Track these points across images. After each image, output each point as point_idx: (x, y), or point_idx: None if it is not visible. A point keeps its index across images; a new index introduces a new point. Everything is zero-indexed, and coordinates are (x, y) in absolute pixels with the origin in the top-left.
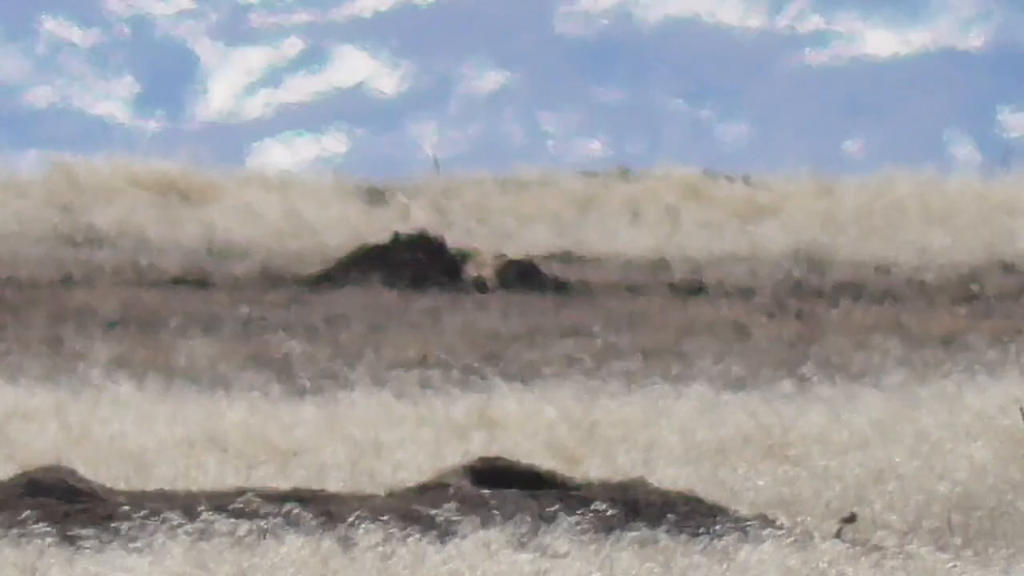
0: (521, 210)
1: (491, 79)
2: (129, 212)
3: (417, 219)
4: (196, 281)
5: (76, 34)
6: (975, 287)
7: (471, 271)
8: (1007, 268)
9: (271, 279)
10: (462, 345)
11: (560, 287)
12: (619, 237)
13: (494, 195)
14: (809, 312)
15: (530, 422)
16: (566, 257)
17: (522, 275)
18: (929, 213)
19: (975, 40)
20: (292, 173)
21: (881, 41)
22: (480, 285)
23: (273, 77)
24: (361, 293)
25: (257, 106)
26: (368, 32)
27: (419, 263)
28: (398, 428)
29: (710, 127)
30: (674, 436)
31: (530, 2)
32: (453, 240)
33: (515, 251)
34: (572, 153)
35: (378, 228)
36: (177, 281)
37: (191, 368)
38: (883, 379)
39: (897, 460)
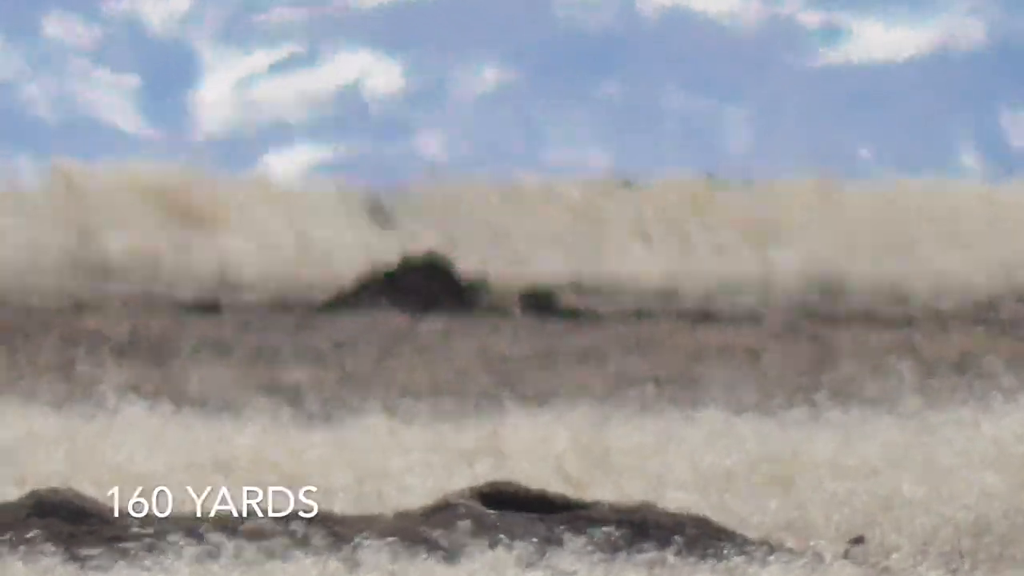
0: (529, 229)
1: (491, 78)
2: (140, 238)
3: (425, 241)
4: (205, 307)
5: (75, 35)
6: (992, 311)
7: (485, 297)
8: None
9: (280, 305)
10: (472, 370)
11: (571, 312)
12: (628, 260)
13: (499, 211)
14: (821, 336)
15: (540, 448)
16: (576, 282)
17: (533, 300)
18: (943, 234)
19: (980, 41)
20: (294, 182)
21: (887, 42)
22: (500, 311)
23: (274, 80)
24: (370, 318)
25: (258, 110)
26: (367, 33)
27: (428, 287)
28: (407, 455)
29: (713, 126)
30: (684, 463)
31: None
32: (463, 262)
33: (525, 275)
34: (574, 153)
35: (386, 250)
36: (187, 307)
37: (201, 393)
38: (897, 405)
39: (907, 487)
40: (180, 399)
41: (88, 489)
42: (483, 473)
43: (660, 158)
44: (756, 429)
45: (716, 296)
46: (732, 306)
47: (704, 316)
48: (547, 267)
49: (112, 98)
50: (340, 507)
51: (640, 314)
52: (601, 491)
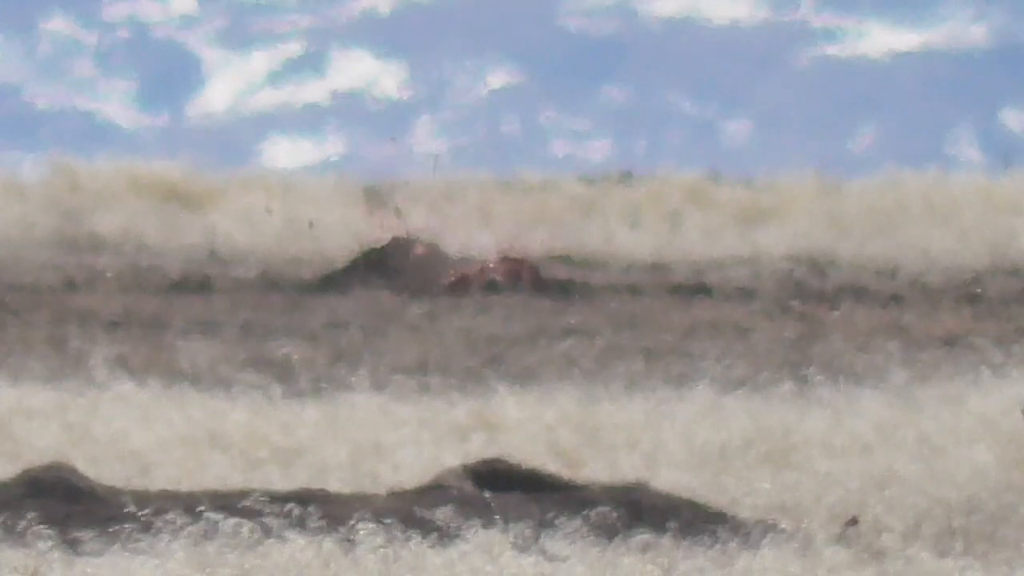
0: (522, 213)
1: (493, 78)
2: (131, 217)
3: (417, 222)
4: (197, 285)
5: (78, 36)
6: (978, 289)
7: (473, 273)
8: (1011, 270)
9: (271, 283)
10: (462, 348)
11: (561, 289)
12: (620, 239)
13: (495, 197)
14: (811, 314)
15: (530, 425)
16: (567, 259)
17: (523, 277)
18: (933, 214)
19: (980, 38)
20: (293, 176)
21: (886, 39)
22: (488, 285)
23: (274, 80)
24: (361, 297)
25: (258, 109)
26: (368, 34)
27: (419, 266)
28: (398, 430)
29: (715, 125)
30: (675, 440)
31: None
32: (454, 243)
33: (516, 253)
34: (575, 153)
35: (378, 231)
36: (178, 285)
37: (192, 371)
38: (885, 382)
39: (899, 464)
40: (171, 375)
41: (81, 465)
42: (474, 449)
43: (663, 159)
44: (747, 406)
45: (705, 272)
46: (722, 283)
47: (694, 292)
48: (537, 243)
49: (114, 100)
50: (334, 484)
51: (630, 290)
52: (593, 468)
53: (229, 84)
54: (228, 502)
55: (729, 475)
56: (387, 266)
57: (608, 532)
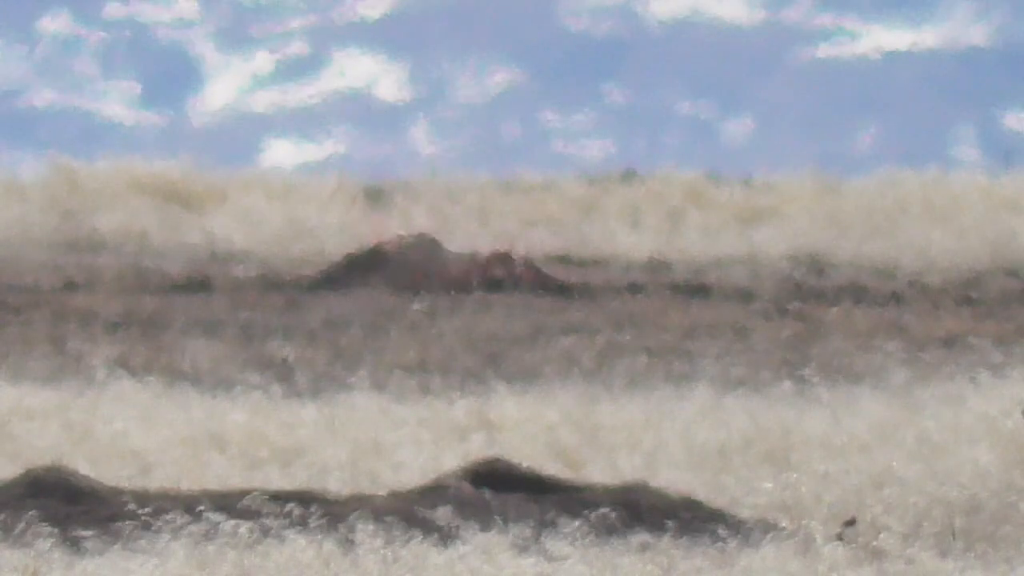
0: (522, 212)
1: (493, 79)
2: (131, 217)
3: (417, 222)
4: (197, 285)
5: (78, 36)
6: (978, 289)
7: (473, 273)
8: (1011, 270)
9: (271, 283)
10: (462, 348)
11: (561, 288)
12: (620, 239)
13: (495, 197)
14: (810, 314)
15: (530, 424)
16: (567, 259)
17: (523, 277)
18: (933, 214)
19: (980, 38)
20: (293, 177)
21: (886, 39)
22: (488, 285)
23: (274, 80)
24: (361, 297)
25: (258, 109)
26: (368, 34)
27: (419, 266)
28: (398, 430)
29: (714, 125)
30: (675, 439)
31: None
32: (454, 243)
33: (516, 252)
34: (575, 152)
35: (378, 231)
36: (178, 285)
37: (192, 370)
38: (885, 381)
39: (899, 464)
40: (172, 375)
41: (81, 464)
42: (474, 449)
43: (663, 158)
44: (746, 405)
45: (705, 272)
46: (722, 283)
47: (693, 292)
48: (537, 243)
49: (114, 100)
50: (334, 484)
51: (630, 290)
52: (593, 467)
53: (229, 84)
54: (228, 502)
55: (729, 475)
56: (387, 266)
57: (608, 532)
